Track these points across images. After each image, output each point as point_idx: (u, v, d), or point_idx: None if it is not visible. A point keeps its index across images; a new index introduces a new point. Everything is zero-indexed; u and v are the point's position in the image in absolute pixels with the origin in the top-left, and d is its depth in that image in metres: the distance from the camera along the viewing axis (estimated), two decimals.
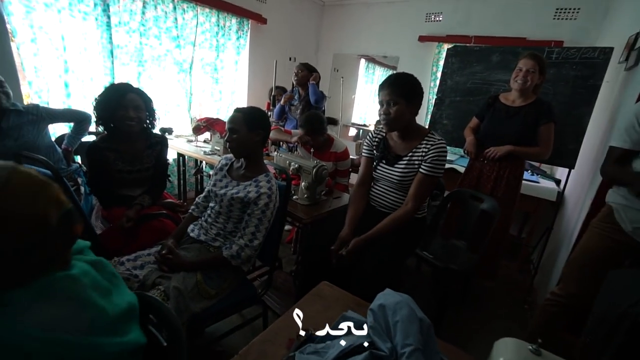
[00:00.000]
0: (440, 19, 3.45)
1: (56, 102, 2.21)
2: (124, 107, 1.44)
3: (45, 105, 1.79)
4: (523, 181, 2.17)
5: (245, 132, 1.29)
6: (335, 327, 0.75)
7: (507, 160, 1.92)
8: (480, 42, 3.10)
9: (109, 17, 2.32)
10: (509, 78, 1.90)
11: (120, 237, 1.39)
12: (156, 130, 1.69)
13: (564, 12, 2.80)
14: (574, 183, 2.25)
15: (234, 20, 3.22)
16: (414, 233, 1.50)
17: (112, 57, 2.41)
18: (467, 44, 3.07)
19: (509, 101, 1.94)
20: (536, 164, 2.88)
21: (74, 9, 2.16)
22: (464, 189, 2.06)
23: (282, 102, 2.61)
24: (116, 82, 2.27)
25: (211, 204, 1.42)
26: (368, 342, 0.68)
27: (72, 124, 1.98)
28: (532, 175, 2.71)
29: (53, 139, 1.93)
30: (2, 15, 1.91)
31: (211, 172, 1.49)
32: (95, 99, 1.47)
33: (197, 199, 1.52)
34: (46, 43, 2.10)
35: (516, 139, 1.87)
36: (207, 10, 2.96)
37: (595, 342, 1.11)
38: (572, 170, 2.17)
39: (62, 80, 2.22)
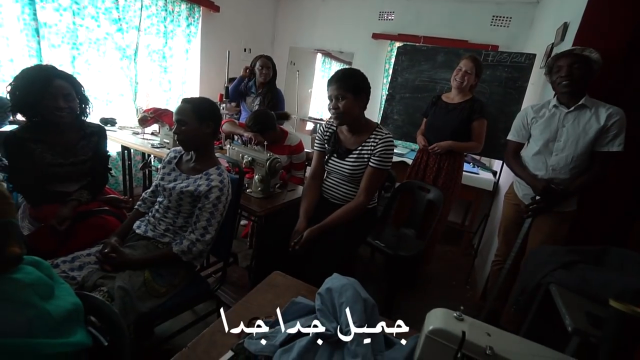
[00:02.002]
0: (393, 17, 3.59)
1: None
2: (51, 95, 1.28)
3: None
4: (465, 173, 2.38)
5: (194, 124, 1.23)
6: (285, 312, 0.77)
7: (446, 154, 2.10)
8: (428, 42, 3.30)
9: None
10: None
11: (53, 237, 1.27)
12: (96, 120, 1.55)
13: (499, 20, 3.09)
14: (505, 174, 2.51)
15: (183, 6, 3.05)
16: (365, 223, 1.57)
17: (38, 36, 2.15)
18: (416, 43, 3.24)
19: (449, 99, 2.14)
20: (477, 157, 3.16)
21: None
22: (412, 181, 2.21)
23: (242, 73, 2.52)
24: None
25: (159, 199, 1.36)
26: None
27: None
28: (473, 167, 2.97)
29: None
30: None
31: (159, 166, 1.41)
32: (11, 84, 1.29)
33: (143, 194, 1.44)
34: None
35: (453, 132, 2.07)
36: None
37: (518, 309, 1.31)
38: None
39: None
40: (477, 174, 2.82)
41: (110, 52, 2.62)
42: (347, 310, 0.70)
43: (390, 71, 3.37)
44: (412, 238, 2.09)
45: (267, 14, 4.14)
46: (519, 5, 2.98)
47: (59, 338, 0.56)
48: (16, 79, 1.29)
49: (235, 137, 2.16)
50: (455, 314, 0.59)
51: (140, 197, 1.44)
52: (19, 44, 2.10)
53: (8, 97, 1.30)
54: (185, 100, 1.27)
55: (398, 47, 2.83)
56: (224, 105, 2.38)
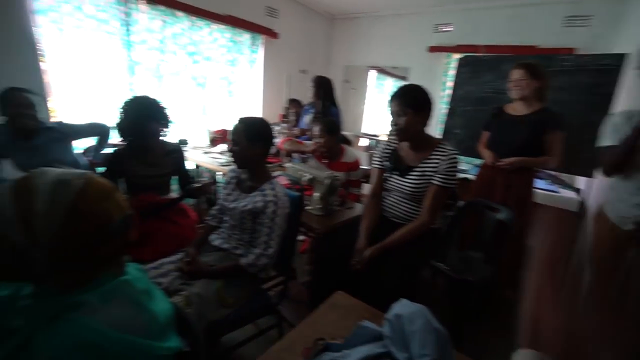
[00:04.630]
0: (450, 29, 3.48)
1: (81, 117, 2.33)
2: (148, 128, 1.55)
3: (69, 122, 1.89)
4: (541, 191, 2.14)
5: (245, 144, 1.27)
6: (351, 336, 0.76)
7: (516, 170, 1.92)
8: (491, 51, 3.11)
9: (129, 35, 2.45)
10: None
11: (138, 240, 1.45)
12: (174, 141, 1.77)
13: (575, 20, 2.79)
14: (596, 192, 2.20)
15: (247, 36, 3.33)
16: (428, 244, 1.49)
17: (133, 73, 2.53)
18: (477, 54, 3.08)
19: (514, 111, 1.97)
20: (555, 173, 2.83)
21: (99, 29, 2.29)
22: (479, 200, 2.04)
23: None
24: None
25: (225, 218, 1.46)
26: (385, 351, 0.69)
27: (94, 138, 2.08)
28: (551, 185, 2.66)
29: (78, 151, 2.02)
30: (33, 37, 2.04)
31: (222, 186, 1.53)
32: (119, 115, 1.55)
33: (211, 210, 1.56)
34: (73, 62, 2.23)
35: (522, 147, 1.88)
36: (221, 26, 3.08)
37: None
38: (594, 179, 2.12)
39: (86, 96, 2.34)
40: (556, 192, 2.51)
41: (186, 81, 2.95)
42: (419, 341, 0.66)
43: (449, 84, 3.25)
44: (479, 261, 1.92)
45: (322, 35, 4.32)
46: (603, 2, 2.66)
47: (163, 342, 0.62)
48: (123, 112, 1.54)
49: (295, 155, 2.24)
50: None
51: (209, 213, 1.55)
52: (118, 80, 2.50)
53: (117, 125, 1.56)
54: (240, 120, 1.31)
55: (459, 59, 2.72)
56: (283, 124, 2.50)
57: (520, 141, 1.88)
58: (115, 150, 1.65)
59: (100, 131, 1.99)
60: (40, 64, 2.13)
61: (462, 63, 2.64)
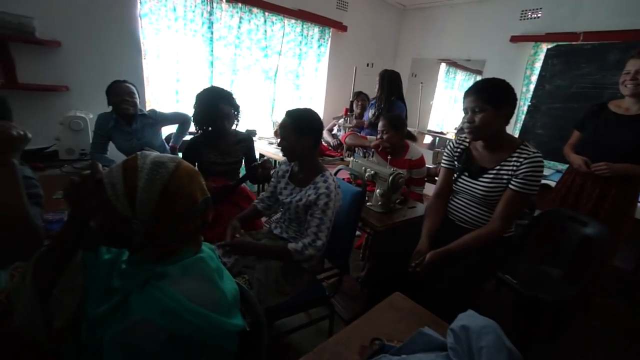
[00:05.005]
0: (540, 15, 3.07)
1: (168, 106, 2.63)
2: (220, 117, 1.68)
3: (160, 110, 2.14)
4: None
5: (294, 138, 1.27)
6: (411, 342, 0.73)
7: (615, 178, 1.64)
8: (592, 38, 2.66)
9: (212, 33, 2.67)
10: None
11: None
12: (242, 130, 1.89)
13: None
14: None
15: (316, 30, 3.38)
16: (497, 253, 1.36)
17: (212, 67, 2.75)
18: (574, 42, 2.67)
19: (621, 109, 1.66)
20: None
21: (187, 28, 2.54)
22: (562, 209, 1.80)
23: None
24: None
25: (281, 209, 1.49)
26: None
27: (177, 125, 2.33)
28: None
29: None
30: (139, 38, 2.36)
31: (273, 178, 1.55)
32: (194, 106, 1.70)
33: (262, 194, 1.58)
34: (165, 58, 2.53)
35: (626, 153, 1.60)
36: (293, 21, 3.17)
37: None
38: None
39: (173, 88, 2.63)
40: None
41: (257, 74, 3.12)
42: (487, 358, 0.61)
43: (532, 78, 2.90)
44: (556, 279, 1.70)
45: (391, 27, 4.18)
46: None
47: (230, 318, 0.67)
48: (197, 102, 1.69)
49: (357, 150, 2.23)
50: None
51: (259, 196, 1.59)
52: (200, 74, 2.75)
53: (193, 116, 1.72)
54: (288, 114, 1.31)
55: (548, 49, 2.40)
56: (347, 118, 2.49)
57: (624, 145, 1.60)
58: (192, 138, 1.82)
59: (182, 120, 2.21)
60: (142, 60, 2.45)
61: (552, 54, 2.33)
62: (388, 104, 2.45)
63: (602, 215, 1.69)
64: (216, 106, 1.66)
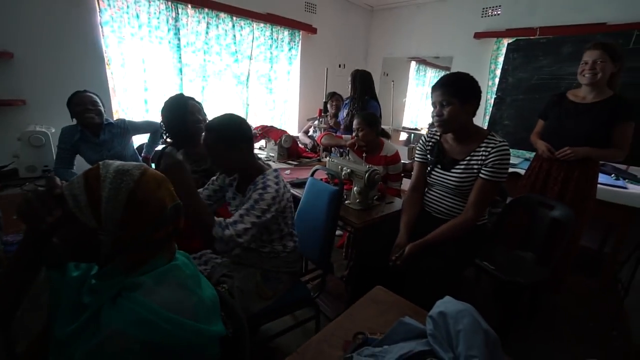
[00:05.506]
0: (499, 12, 3.23)
1: (137, 116, 2.54)
2: (190, 112, 1.62)
3: (130, 119, 2.07)
4: (605, 187, 1.92)
5: (224, 153, 1.14)
6: (392, 332, 0.74)
7: (577, 161, 1.74)
8: (548, 33, 2.82)
9: (179, 39, 2.61)
10: None
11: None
12: None
13: None
14: None
15: (286, 33, 3.38)
16: (473, 241, 1.41)
17: (181, 74, 2.69)
18: (532, 37, 2.82)
19: (578, 98, 1.77)
20: (623, 166, 2.52)
21: (152, 35, 2.47)
22: (532, 195, 1.89)
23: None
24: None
25: None
26: (427, 349, 0.66)
27: (148, 135, 2.25)
28: (618, 180, 2.37)
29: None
30: (102, 46, 2.27)
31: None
32: (163, 114, 1.64)
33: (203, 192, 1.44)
34: (131, 67, 2.44)
35: (585, 138, 1.70)
36: (262, 25, 3.15)
37: None
38: None
39: (142, 97, 2.54)
40: (625, 188, 2.23)
41: (229, 80, 3.07)
42: (465, 341, 0.63)
43: (497, 72, 3.03)
44: (530, 263, 1.78)
45: (361, 28, 4.25)
46: None
47: (210, 325, 0.66)
48: (164, 109, 1.64)
49: (333, 150, 2.24)
50: None
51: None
52: (169, 82, 2.68)
53: (162, 124, 1.66)
54: (209, 128, 1.15)
55: (508, 44, 2.52)
56: (322, 119, 2.50)
57: (584, 132, 1.70)
58: (163, 147, 1.76)
59: (154, 128, 2.15)
60: (106, 69, 2.36)
61: (512, 48, 2.45)
62: (362, 103, 2.48)
63: (568, 198, 1.79)
64: (185, 107, 1.61)
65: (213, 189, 1.37)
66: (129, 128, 2.00)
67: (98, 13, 2.23)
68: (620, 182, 2.31)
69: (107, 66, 2.36)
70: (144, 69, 2.50)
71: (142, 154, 2.19)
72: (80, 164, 1.91)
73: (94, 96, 1.83)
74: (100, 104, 1.86)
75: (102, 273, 0.68)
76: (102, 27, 2.27)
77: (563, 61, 2.20)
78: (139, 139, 2.50)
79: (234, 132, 1.15)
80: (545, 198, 1.82)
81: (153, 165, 2.37)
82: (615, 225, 2.39)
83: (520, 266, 1.73)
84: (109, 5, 2.24)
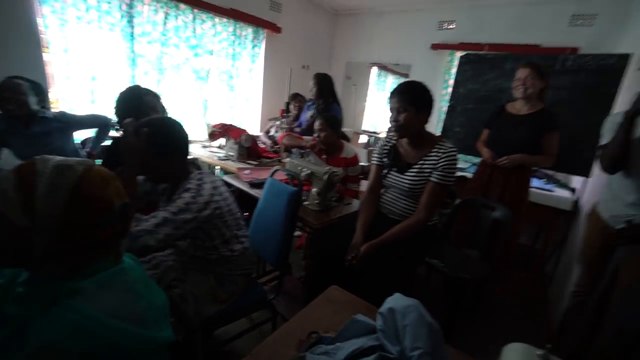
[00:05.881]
0: (453, 26, 3.46)
1: (81, 108, 2.33)
2: (144, 110, 1.48)
3: (72, 112, 1.89)
4: (536, 190, 2.13)
5: (150, 162, 1.04)
6: (345, 329, 0.77)
7: (514, 168, 1.94)
8: (494, 49, 3.09)
9: (132, 27, 2.44)
10: None
11: None
12: None
13: (580, 19, 2.77)
14: (590, 192, 2.21)
15: (250, 30, 3.31)
16: (424, 240, 1.50)
17: (135, 65, 2.52)
18: (480, 52, 3.06)
19: (515, 109, 1.98)
20: (550, 172, 2.84)
21: (102, 21, 2.28)
22: (476, 197, 2.05)
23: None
24: None
25: None
26: (377, 344, 0.70)
27: (95, 129, 2.08)
28: (547, 184, 2.66)
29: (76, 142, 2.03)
30: (38, 28, 2.04)
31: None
32: (115, 107, 1.52)
33: None
34: (76, 53, 2.23)
35: (522, 146, 1.90)
36: (224, 20, 3.06)
37: (614, 352, 1.12)
38: (589, 179, 2.13)
39: (88, 87, 2.34)
40: (552, 191, 2.52)
41: (187, 74, 2.94)
42: (411, 334, 0.67)
43: (450, 82, 3.24)
44: (475, 260, 1.93)
45: (324, 31, 4.30)
46: (607, 1, 2.64)
47: (160, 331, 0.62)
48: (117, 101, 1.52)
49: (294, 150, 2.24)
50: (538, 352, 0.52)
51: None
52: (120, 73, 2.48)
53: (113, 116, 1.54)
54: (135, 134, 1.01)
55: (460, 57, 2.71)
56: (283, 119, 2.49)
57: (520, 140, 1.90)
58: (112, 142, 1.64)
59: (100, 123, 1.99)
60: (43, 54, 2.12)
61: (464, 61, 2.63)
62: (325, 106, 2.52)
63: (506, 200, 1.97)
64: (139, 98, 1.50)
65: (144, 190, 1.29)
66: (72, 122, 1.84)
67: None
68: (548, 186, 2.61)
69: (45, 50, 2.13)
70: (91, 57, 2.30)
71: (86, 149, 2.02)
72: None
73: (22, 83, 1.64)
74: (27, 94, 1.67)
75: (33, 279, 0.62)
76: (40, 5, 2.04)
77: (506, 76, 2.41)
78: (82, 133, 2.30)
79: (163, 140, 1.06)
80: (488, 200, 2.00)
81: (100, 162, 2.20)
82: (545, 224, 2.69)
83: (466, 263, 1.87)
84: None
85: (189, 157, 1.22)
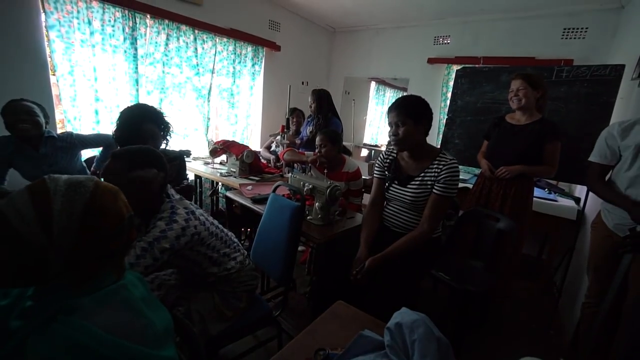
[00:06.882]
0: (449, 41, 3.55)
1: (87, 128, 2.37)
2: (143, 137, 1.51)
3: (77, 132, 1.92)
4: (539, 200, 2.12)
5: (131, 192, 0.88)
6: (352, 346, 0.75)
7: (513, 179, 1.93)
8: (489, 62, 3.16)
9: (136, 49, 2.51)
10: None
11: None
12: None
13: (572, 32, 2.85)
14: (594, 200, 2.20)
15: (249, 48, 3.40)
16: (429, 253, 1.49)
17: (138, 85, 2.57)
18: (476, 65, 3.13)
19: (514, 120, 2.00)
20: (553, 182, 2.84)
21: (105, 43, 2.35)
22: (479, 209, 2.05)
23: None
24: None
25: None
26: None
27: (100, 148, 2.11)
28: (550, 193, 2.66)
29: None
30: (45, 52, 2.10)
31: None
32: (116, 126, 1.55)
33: None
34: (80, 75, 2.29)
35: (521, 156, 1.90)
36: (224, 39, 3.14)
37: None
38: None
39: (92, 108, 2.38)
40: (555, 201, 2.51)
41: (189, 93, 3.00)
42: (420, 350, 0.66)
43: (448, 95, 3.29)
44: (480, 271, 1.91)
45: (323, 48, 4.40)
46: (597, 14, 2.72)
47: (160, 350, 0.62)
48: (119, 120, 1.55)
49: (296, 166, 2.26)
50: None
51: None
52: (123, 93, 2.54)
53: (113, 135, 1.57)
54: (114, 157, 1.00)
55: (457, 70, 2.76)
56: (285, 135, 2.52)
57: (519, 150, 1.91)
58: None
59: (105, 142, 2.01)
60: (50, 77, 2.18)
61: (460, 74, 2.68)
62: (324, 121, 2.56)
63: (507, 211, 1.96)
64: (138, 125, 1.53)
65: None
66: (77, 142, 1.86)
67: (42, 14, 2.08)
68: (551, 196, 2.60)
69: (52, 73, 2.18)
70: (95, 78, 2.35)
71: (92, 169, 2.04)
72: (16, 179, 1.72)
73: (33, 105, 1.68)
74: (40, 115, 1.71)
75: (39, 293, 0.62)
76: (47, 31, 2.11)
77: (502, 88, 2.45)
78: (90, 152, 2.33)
79: (143, 160, 1.02)
80: (491, 211, 1.99)
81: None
82: (550, 234, 2.67)
83: (471, 274, 1.85)
84: (56, 8, 2.09)
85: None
